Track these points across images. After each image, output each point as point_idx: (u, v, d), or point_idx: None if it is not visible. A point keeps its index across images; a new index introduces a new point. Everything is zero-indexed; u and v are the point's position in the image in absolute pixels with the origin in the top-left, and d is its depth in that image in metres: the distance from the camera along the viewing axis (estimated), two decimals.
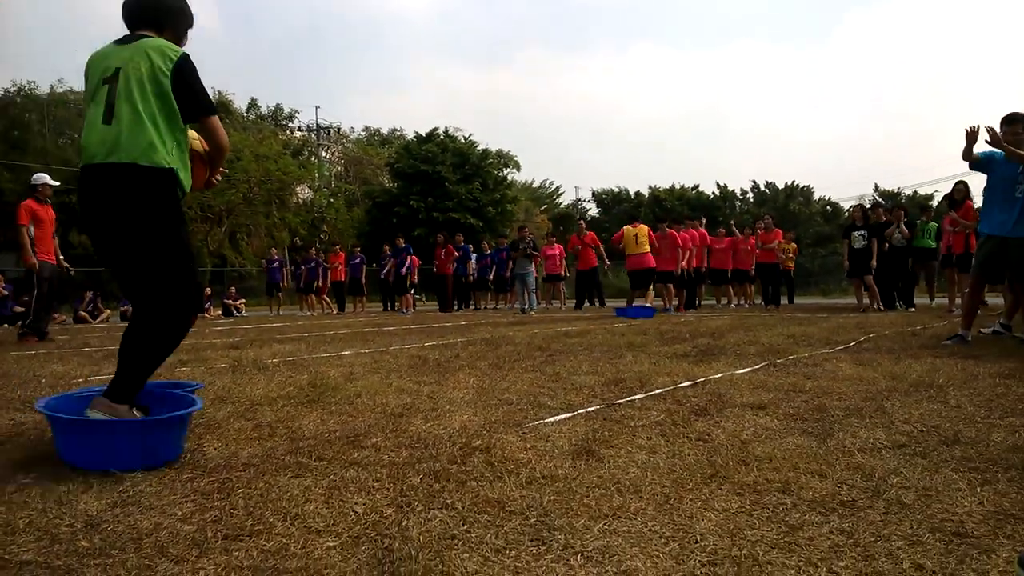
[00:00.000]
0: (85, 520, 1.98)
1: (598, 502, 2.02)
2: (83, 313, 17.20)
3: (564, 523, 1.86)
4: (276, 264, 20.46)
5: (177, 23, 3.13)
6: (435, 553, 1.69)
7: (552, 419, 3.17)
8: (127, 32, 3.03)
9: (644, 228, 13.59)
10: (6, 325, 14.61)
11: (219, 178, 3.30)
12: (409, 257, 18.56)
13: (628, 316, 11.45)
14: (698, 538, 1.76)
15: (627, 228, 13.66)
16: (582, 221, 18.08)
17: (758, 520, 1.88)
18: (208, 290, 21.33)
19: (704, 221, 17.78)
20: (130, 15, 3.06)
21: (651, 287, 13.54)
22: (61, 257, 9.70)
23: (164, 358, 2.94)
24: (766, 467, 2.34)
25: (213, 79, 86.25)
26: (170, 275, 2.83)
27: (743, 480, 2.21)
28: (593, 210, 52.94)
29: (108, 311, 17.75)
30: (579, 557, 1.66)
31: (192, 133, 3.08)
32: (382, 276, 19.10)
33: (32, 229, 8.86)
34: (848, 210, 16.80)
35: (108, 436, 2.55)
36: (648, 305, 12.92)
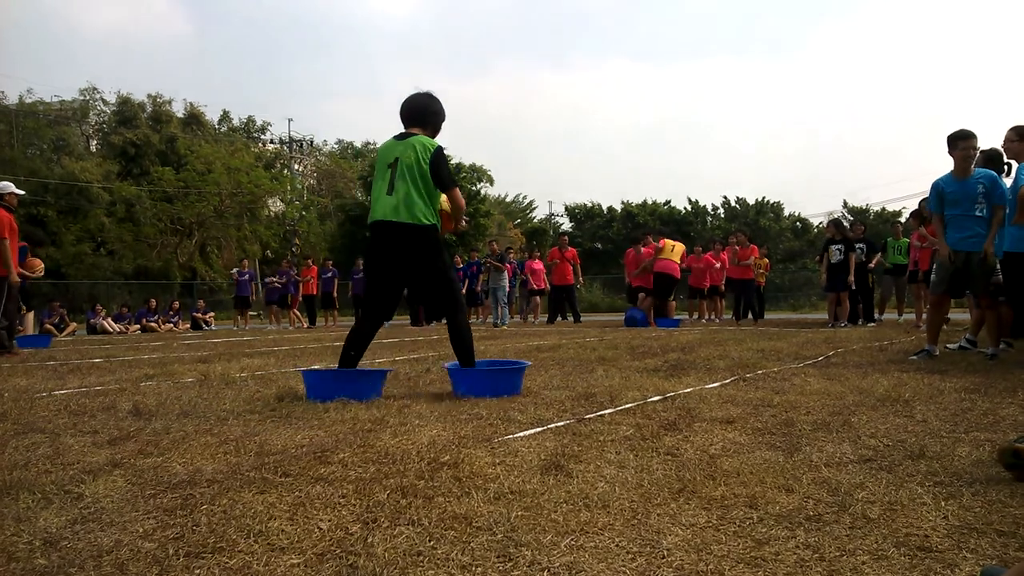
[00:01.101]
0: (44, 537, 1.93)
1: (566, 517, 2.01)
2: (49, 326, 16.93)
3: (531, 539, 1.85)
4: (246, 277, 20.26)
5: (436, 122, 4.76)
6: (400, 570, 1.67)
7: (522, 434, 3.16)
8: (401, 127, 4.70)
9: (681, 246, 14.73)
10: None
11: (463, 224, 5.08)
12: None
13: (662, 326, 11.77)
14: (665, 553, 1.75)
15: (667, 241, 14.55)
16: (565, 235, 17.94)
17: (725, 535, 1.88)
18: (176, 304, 21.12)
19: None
20: (405, 116, 4.69)
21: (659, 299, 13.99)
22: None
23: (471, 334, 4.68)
24: (734, 481, 2.34)
25: (184, 91, 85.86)
26: (453, 286, 4.63)
27: (711, 495, 2.21)
28: (566, 224, 53.10)
29: (75, 324, 17.50)
30: (545, 573, 1.65)
31: (442, 197, 4.64)
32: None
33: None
34: (818, 226, 16.92)
35: (487, 376, 4.47)
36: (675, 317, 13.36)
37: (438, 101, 4.76)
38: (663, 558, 1.73)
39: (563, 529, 1.92)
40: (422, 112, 4.66)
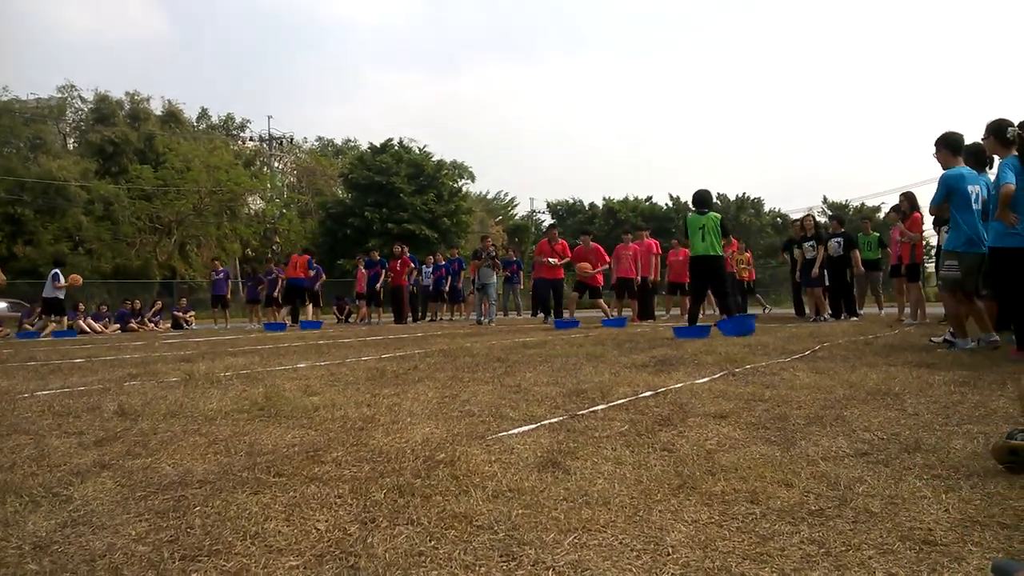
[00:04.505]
0: (33, 542, 1.89)
1: (567, 515, 1.99)
2: (27, 326, 16.72)
3: (534, 537, 1.82)
4: (221, 276, 20.15)
5: (712, 206, 10.13)
6: (402, 571, 1.64)
7: (515, 431, 3.13)
8: (696, 208, 9.99)
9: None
10: None
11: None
12: (384, 270, 18.42)
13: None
14: (669, 550, 1.74)
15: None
16: (555, 228, 16.86)
17: (728, 531, 1.86)
18: (159, 304, 20.92)
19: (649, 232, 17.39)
20: (699, 203, 9.99)
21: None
22: None
23: None
24: (733, 477, 2.33)
25: (163, 88, 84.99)
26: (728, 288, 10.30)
27: (711, 490, 2.19)
28: (547, 221, 53.12)
29: (54, 324, 17.27)
30: (551, 572, 1.63)
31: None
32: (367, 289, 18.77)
33: None
34: (794, 222, 16.83)
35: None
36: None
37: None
38: (668, 555, 1.71)
39: (565, 527, 1.90)
40: (708, 202, 10.08)
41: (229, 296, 20.09)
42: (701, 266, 9.86)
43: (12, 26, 76.10)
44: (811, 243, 12.97)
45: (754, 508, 2.03)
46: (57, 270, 16.15)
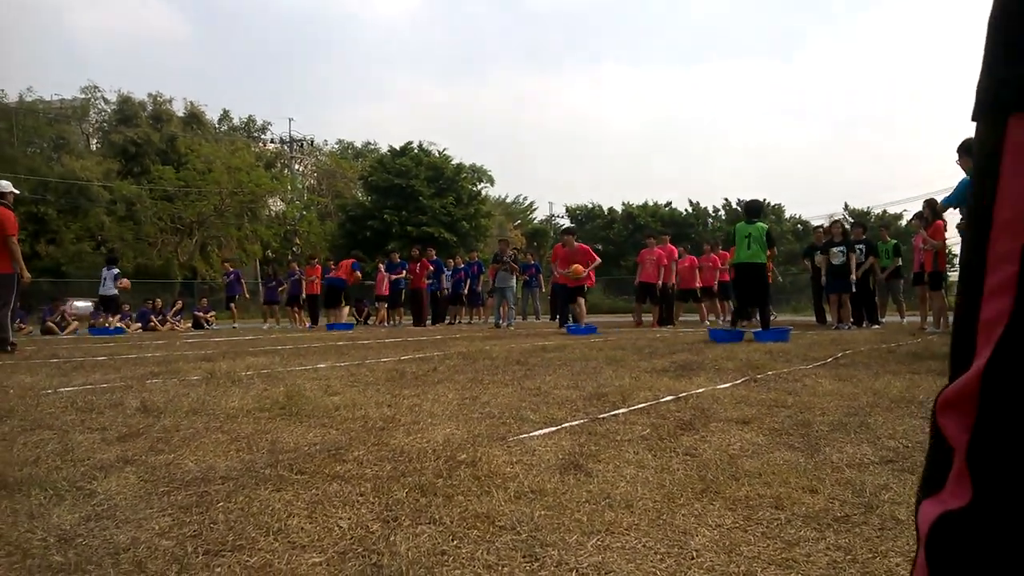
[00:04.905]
0: (58, 534, 1.90)
1: (589, 517, 1.98)
2: (51, 324, 16.89)
3: (556, 539, 1.81)
4: (231, 278, 20.59)
5: (762, 214, 10.53)
6: (426, 569, 1.64)
7: (536, 433, 3.12)
8: (746, 217, 10.36)
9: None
10: None
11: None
12: (405, 272, 18.51)
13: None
14: (694, 554, 1.72)
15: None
16: (572, 232, 16.57)
17: (753, 536, 1.84)
18: (179, 303, 21.08)
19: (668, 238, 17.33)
20: (750, 212, 10.39)
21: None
22: None
23: None
24: (757, 482, 2.31)
25: (185, 90, 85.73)
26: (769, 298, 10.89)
27: (735, 495, 2.18)
28: (566, 225, 53.11)
29: (76, 323, 17.43)
30: (574, 574, 1.62)
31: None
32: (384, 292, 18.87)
33: None
34: (815, 229, 16.68)
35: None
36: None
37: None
38: (692, 559, 1.69)
39: (588, 529, 1.89)
40: (759, 211, 10.45)
41: (247, 296, 20.44)
42: (744, 273, 10.12)
43: (35, 28, 77.08)
44: (840, 248, 12.83)
45: (779, 514, 2.01)
46: (117, 269, 16.99)
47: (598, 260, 13.74)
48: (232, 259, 25.31)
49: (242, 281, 20.78)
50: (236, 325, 19.56)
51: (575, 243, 13.66)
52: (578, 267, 12.97)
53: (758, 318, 10.81)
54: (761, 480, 2.33)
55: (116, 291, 16.75)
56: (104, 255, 34.33)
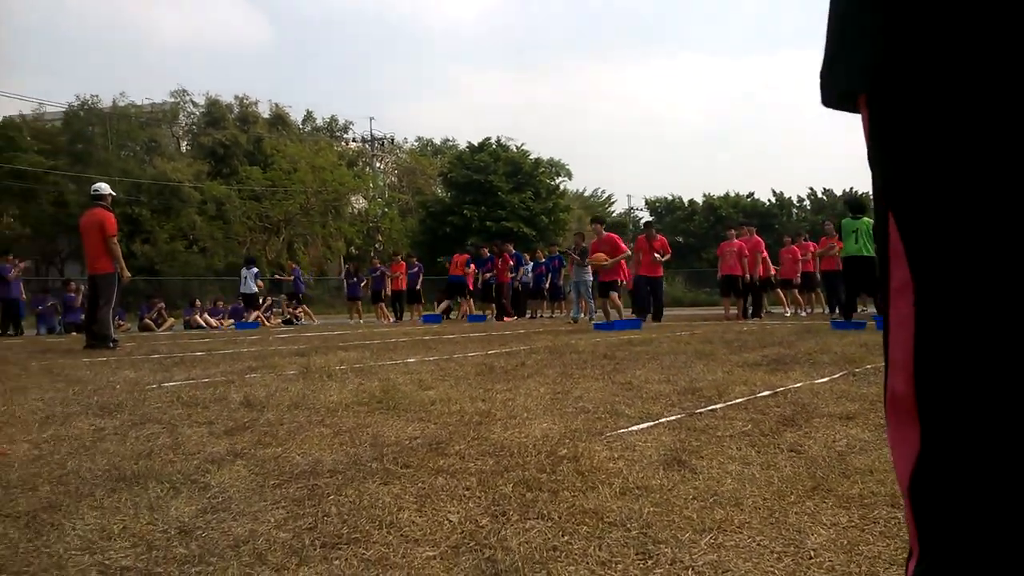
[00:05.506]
0: (178, 526, 1.97)
1: (699, 515, 1.95)
2: (148, 321, 17.56)
3: (668, 536, 1.80)
4: (293, 277, 21.70)
5: (865, 211, 9.99)
6: (540, 564, 1.64)
7: (634, 428, 3.10)
8: (851, 213, 10.70)
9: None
10: (73, 332, 15.01)
11: None
12: (492, 266, 18.68)
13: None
14: (811, 553, 1.68)
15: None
16: (652, 225, 16.36)
17: (871, 535, 1.79)
18: (269, 299, 21.67)
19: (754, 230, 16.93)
20: (853, 208, 10.50)
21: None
22: None
23: None
24: (869, 480, 2.24)
25: (269, 92, 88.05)
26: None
27: (847, 493, 2.12)
28: (646, 218, 52.58)
29: (172, 320, 18.09)
30: (690, 572, 1.60)
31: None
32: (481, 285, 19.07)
33: None
34: None
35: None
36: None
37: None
38: (811, 559, 1.66)
39: (699, 527, 1.86)
40: (862, 207, 10.53)
41: (309, 293, 21.42)
42: (853, 266, 10.60)
43: (127, 34, 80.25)
44: None
45: (896, 513, 1.94)
46: (256, 268, 18.72)
47: (627, 251, 13.12)
48: (293, 259, 26.34)
49: (303, 279, 21.88)
50: (309, 322, 20.08)
51: (603, 231, 13.21)
52: (600, 255, 12.38)
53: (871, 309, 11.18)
54: (874, 478, 2.26)
55: (256, 289, 18.29)
56: (196, 253, 35.67)
